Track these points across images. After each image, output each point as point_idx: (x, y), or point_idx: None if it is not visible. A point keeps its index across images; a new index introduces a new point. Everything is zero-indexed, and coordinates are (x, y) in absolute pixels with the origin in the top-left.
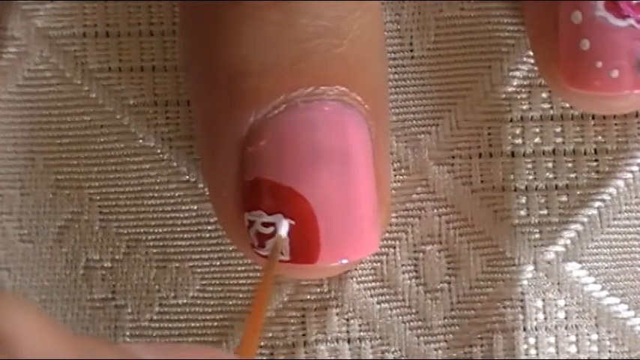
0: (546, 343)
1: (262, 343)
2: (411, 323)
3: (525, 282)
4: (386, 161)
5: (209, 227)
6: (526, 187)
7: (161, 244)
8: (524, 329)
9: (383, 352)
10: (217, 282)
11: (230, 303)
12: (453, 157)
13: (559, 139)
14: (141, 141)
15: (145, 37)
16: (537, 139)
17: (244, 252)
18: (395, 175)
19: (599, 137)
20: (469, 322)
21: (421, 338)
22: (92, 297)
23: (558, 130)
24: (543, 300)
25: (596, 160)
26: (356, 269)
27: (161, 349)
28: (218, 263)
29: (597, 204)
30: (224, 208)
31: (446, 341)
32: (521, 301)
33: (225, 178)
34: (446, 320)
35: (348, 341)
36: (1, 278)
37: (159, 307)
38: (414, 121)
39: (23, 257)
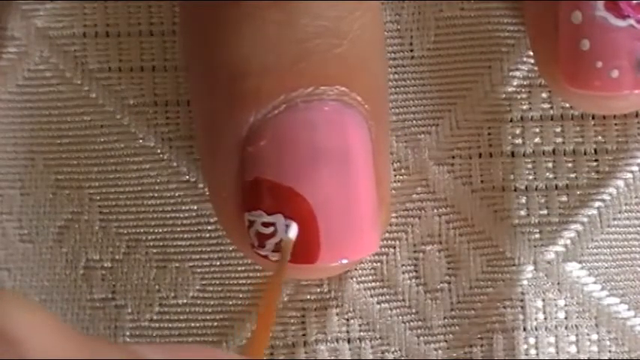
0: (546, 343)
1: None
2: (411, 323)
3: (525, 282)
4: (386, 161)
5: (209, 227)
6: (526, 187)
7: (161, 244)
8: (524, 329)
9: (383, 352)
10: (217, 282)
11: (230, 303)
12: (453, 157)
13: (559, 139)
14: (141, 141)
15: (145, 37)
16: (537, 139)
17: (244, 252)
18: (395, 175)
19: (599, 137)
20: (469, 322)
21: (421, 338)
22: (92, 297)
23: (558, 130)
24: (543, 300)
25: (596, 160)
26: (356, 269)
27: (167, 349)
28: (218, 263)
29: (597, 204)
30: (224, 208)
31: (446, 341)
32: (521, 301)
33: (225, 178)
34: (446, 320)
35: (348, 341)
36: (1, 278)
37: (159, 307)
38: (414, 121)
39: (23, 257)
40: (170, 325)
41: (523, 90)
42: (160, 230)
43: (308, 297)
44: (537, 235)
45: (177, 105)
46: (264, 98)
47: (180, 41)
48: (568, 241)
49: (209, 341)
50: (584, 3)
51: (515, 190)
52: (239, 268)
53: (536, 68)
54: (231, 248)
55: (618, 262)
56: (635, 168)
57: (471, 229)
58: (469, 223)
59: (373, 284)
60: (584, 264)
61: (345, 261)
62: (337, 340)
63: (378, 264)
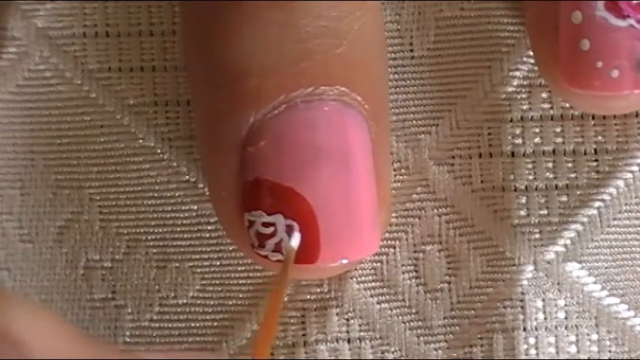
0: (546, 343)
1: None
2: (411, 323)
3: (525, 282)
4: (386, 161)
5: (209, 227)
6: (526, 187)
7: (161, 244)
8: (524, 329)
9: (383, 352)
10: (217, 282)
11: (230, 303)
12: (453, 157)
13: (559, 139)
14: (141, 141)
15: (145, 37)
16: (537, 139)
17: (244, 252)
18: (395, 175)
19: (599, 137)
20: (469, 322)
21: (421, 338)
22: (92, 297)
23: (558, 130)
24: (543, 300)
25: (596, 160)
26: (356, 269)
27: (168, 354)
28: (218, 263)
29: (597, 204)
30: (224, 208)
31: (446, 341)
32: (521, 301)
33: (225, 178)
34: (446, 320)
35: (348, 341)
36: (1, 278)
37: (159, 307)
38: (414, 121)
39: (23, 257)
40: (170, 325)
41: (523, 90)
42: (160, 230)
43: (308, 297)
44: (537, 235)
45: (177, 105)
46: (265, 98)
47: (181, 41)
48: (568, 241)
49: (209, 341)
50: (584, 3)
51: (515, 190)
52: (239, 268)
53: (536, 68)
54: (231, 248)
55: (618, 262)
56: (635, 168)
57: (471, 229)
58: (469, 223)
59: (373, 284)
60: (584, 264)
61: (345, 261)
62: (337, 340)
63: (378, 264)
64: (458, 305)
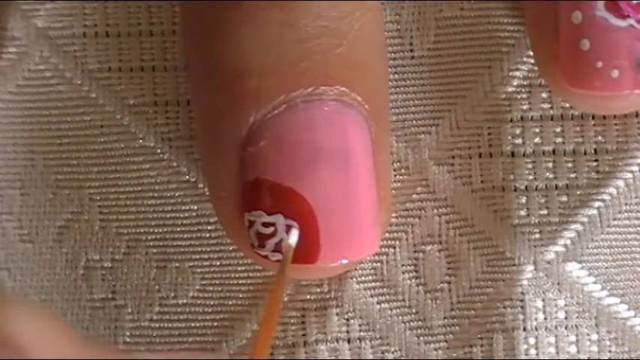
0: (546, 343)
1: None
2: (411, 323)
3: (525, 282)
4: (386, 161)
5: (209, 227)
6: (526, 187)
7: (161, 244)
8: (524, 329)
9: (383, 352)
10: (217, 282)
11: (230, 303)
12: (453, 157)
13: (559, 139)
14: (141, 141)
15: (145, 37)
16: (537, 139)
17: (244, 252)
18: (395, 175)
19: (599, 137)
20: (469, 322)
21: (421, 338)
22: (92, 297)
23: (558, 130)
24: (543, 300)
25: (596, 160)
26: (356, 269)
27: (167, 355)
28: (218, 263)
29: (597, 204)
30: (224, 208)
31: (446, 341)
32: (521, 301)
33: (225, 178)
34: (446, 320)
35: (348, 341)
36: (1, 278)
37: (159, 307)
38: (414, 121)
39: (23, 257)
40: (170, 325)
41: (523, 90)
42: (160, 230)
43: (308, 297)
44: (537, 235)
45: (177, 105)
46: (265, 98)
47: (181, 41)
48: (568, 241)
49: (209, 341)
50: (584, 3)
51: (515, 190)
52: (239, 268)
53: (536, 68)
54: (231, 248)
55: (618, 262)
56: (635, 168)
57: (471, 229)
58: (469, 223)
59: (373, 284)
60: (584, 264)
61: (345, 261)
62: (337, 340)
63: (378, 264)
64: (458, 305)
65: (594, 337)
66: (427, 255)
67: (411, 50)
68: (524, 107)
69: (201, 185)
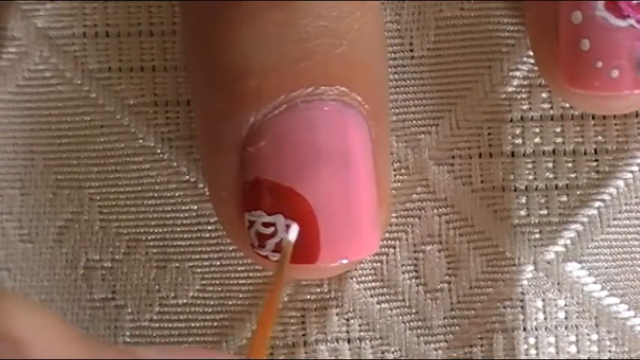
0: (546, 343)
1: None
2: (411, 323)
3: (525, 282)
4: (386, 161)
5: (209, 227)
6: (526, 187)
7: (161, 244)
8: (524, 329)
9: (383, 352)
10: (217, 282)
11: (230, 303)
12: (453, 157)
13: (559, 139)
14: (141, 141)
15: (145, 37)
16: (537, 139)
17: (244, 252)
18: (395, 175)
19: (599, 137)
20: (469, 322)
21: (421, 338)
22: (92, 297)
23: (558, 130)
24: (543, 300)
25: (596, 160)
26: (356, 269)
27: (166, 351)
28: (218, 263)
29: (597, 204)
30: (224, 208)
31: (446, 341)
32: (521, 301)
33: (225, 178)
34: (446, 320)
35: (348, 341)
36: (1, 278)
37: (159, 307)
38: (414, 121)
39: (23, 257)
40: (170, 325)
41: (523, 90)
42: (160, 230)
43: (308, 297)
44: (537, 235)
45: (177, 105)
46: (265, 98)
47: (181, 41)
48: (568, 241)
49: (209, 341)
50: (584, 3)
51: (515, 190)
52: (239, 268)
53: (536, 68)
54: (231, 248)
55: (618, 262)
56: (635, 168)
57: (471, 229)
58: (469, 223)
59: (373, 284)
60: (584, 264)
61: (345, 261)
62: (337, 340)
63: (378, 264)
64: (458, 305)
65: (594, 337)
66: (427, 255)
67: (411, 50)
68: (524, 107)
69: (201, 185)
